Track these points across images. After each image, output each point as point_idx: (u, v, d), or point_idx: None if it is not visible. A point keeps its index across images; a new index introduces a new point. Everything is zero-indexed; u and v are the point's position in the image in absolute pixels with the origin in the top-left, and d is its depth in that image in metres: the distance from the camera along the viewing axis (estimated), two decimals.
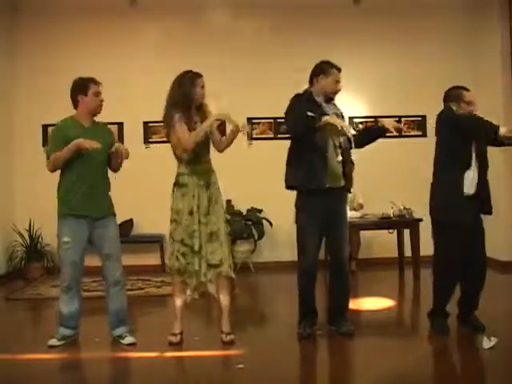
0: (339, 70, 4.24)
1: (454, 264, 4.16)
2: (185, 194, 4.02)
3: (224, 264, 4.02)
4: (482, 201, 4.16)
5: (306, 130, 4.03)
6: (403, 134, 7.48)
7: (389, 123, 4.32)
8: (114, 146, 4.12)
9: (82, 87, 4.10)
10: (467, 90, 4.24)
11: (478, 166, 4.13)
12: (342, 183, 4.19)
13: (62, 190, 4.10)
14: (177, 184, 4.08)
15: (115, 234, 4.18)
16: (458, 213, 4.07)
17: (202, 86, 4.08)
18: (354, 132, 4.14)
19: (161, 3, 7.26)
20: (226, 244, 4.08)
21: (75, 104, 4.13)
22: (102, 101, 4.14)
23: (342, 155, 4.15)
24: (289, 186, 4.26)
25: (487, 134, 3.95)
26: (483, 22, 7.18)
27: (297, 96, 4.27)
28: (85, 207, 4.04)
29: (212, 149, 4.17)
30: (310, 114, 3.99)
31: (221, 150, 4.20)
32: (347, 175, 4.21)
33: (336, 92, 4.26)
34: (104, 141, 4.06)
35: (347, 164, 4.20)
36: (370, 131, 4.38)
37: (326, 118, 3.96)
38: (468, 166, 4.08)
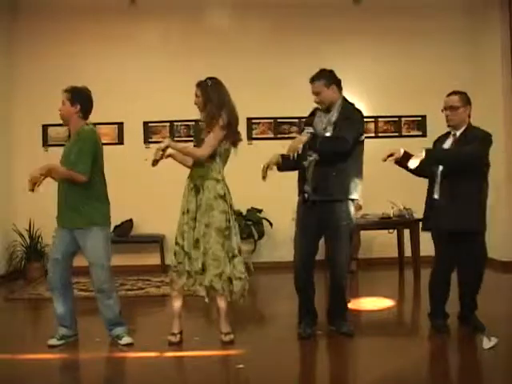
0: (310, 81, 4.19)
1: (439, 265, 4.25)
2: (183, 195, 4.13)
3: (206, 273, 3.97)
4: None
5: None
6: (403, 134, 7.50)
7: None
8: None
9: None
10: (449, 95, 4.22)
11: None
12: (316, 196, 4.12)
13: None
14: None
15: (94, 243, 4.02)
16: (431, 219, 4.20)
17: (195, 95, 4.15)
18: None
19: (161, 3, 7.25)
20: (219, 254, 3.97)
21: None
22: (59, 109, 4.11)
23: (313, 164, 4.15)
24: None
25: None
26: (483, 23, 7.18)
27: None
28: (59, 218, 4.12)
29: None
30: (306, 129, 4.14)
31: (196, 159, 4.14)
32: (315, 185, 4.12)
33: (317, 103, 4.24)
34: (69, 152, 4.02)
35: (317, 174, 4.12)
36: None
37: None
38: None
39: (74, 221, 4.04)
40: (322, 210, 4.14)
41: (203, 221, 4.00)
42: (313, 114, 4.33)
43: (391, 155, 4.10)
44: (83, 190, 4.01)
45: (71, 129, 4.16)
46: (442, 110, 4.21)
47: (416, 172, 4.19)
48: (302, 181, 4.23)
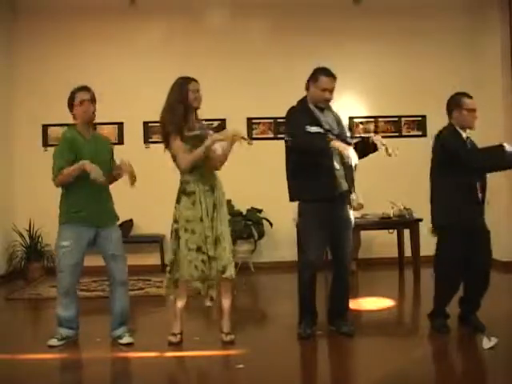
0: (330, 76, 4.11)
1: (455, 267, 4.17)
2: (194, 202, 4.00)
3: (228, 268, 4.02)
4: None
5: (316, 151, 4.03)
6: (403, 134, 7.51)
7: (376, 139, 4.14)
8: (120, 161, 4.19)
9: (70, 99, 4.13)
10: (469, 96, 4.21)
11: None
12: (345, 187, 4.15)
13: (67, 199, 4.09)
14: (183, 192, 4.04)
15: (119, 235, 4.23)
16: (457, 215, 4.10)
17: (195, 91, 4.05)
18: (354, 163, 3.96)
19: (161, 3, 7.26)
20: (229, 247, 4.07)
21: (72, 116, 4.17)
22: (90, 108, 4.08)
23: (342, 164, 4.11)
24: (294, 199, 4.23)
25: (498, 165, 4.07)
26: (483, 22, 7.18)
27: (292, 109, 4.22)
28: (91, 216, 4.05)
29: None
30: (309, 129, 4.00)
31: (218, 168, 4.12)
32: (348, 178, 4.17)
33: (324, 100, 4.15)
34: (105, 152, 4.15)
35: (347, 168, 4.15)
36: (363, 148, 4.21)
37: (333, 144, 3.92)
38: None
39: (106, 218, 4.15)
40: (338, 207, 4.15)
41: (220, 217, 4.04)
42: (306, 113, 4.16)
43: None
44: (108, 190, 4.25)
45: (89, 128, 4.16)
46: (470, 110, 4.15)
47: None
48: (330, 181, 4.07)
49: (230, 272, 4.04)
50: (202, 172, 4.03)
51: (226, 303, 4.13)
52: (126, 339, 4.11)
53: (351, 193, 4.24)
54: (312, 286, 4.24)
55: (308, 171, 4.09)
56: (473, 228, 4.13)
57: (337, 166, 4.09)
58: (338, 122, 4.23)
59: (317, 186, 4.08)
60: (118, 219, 4.29)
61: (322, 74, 4.13)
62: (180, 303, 4.14)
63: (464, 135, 4.18)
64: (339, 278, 4.28)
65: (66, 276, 4.06)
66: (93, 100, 4.11)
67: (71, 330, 4.16)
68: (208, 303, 4.11)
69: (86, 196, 4.03)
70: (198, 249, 3.97)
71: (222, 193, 4.11)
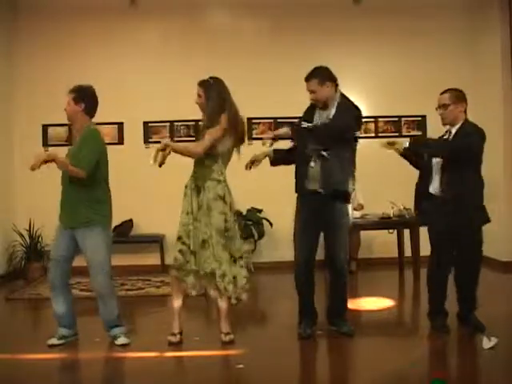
0: (306, 80, 4.19)
1: (434, 265, 4.25)
2: (185, 195, 4.12)
3: (216, 275, 3.99)
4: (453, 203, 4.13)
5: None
6: (403, 134, 7.50)
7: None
8: None
9: None
10: (444, 92, 4.25)
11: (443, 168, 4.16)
12: (313, 187, 4.12)
13: None
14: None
15: (95, 243, 4.01)
16: (426, 214, 4.32)
17: (198, 95, 4.14)
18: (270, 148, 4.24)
19: (161, 3, 7.25)
20: (221, 255, 4.00)
21: None
22: (65, 109, 4.14)
23: (322, 159, 4.10)
24: None
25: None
26: (483, 22, 7.18)
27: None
28: (61, 216, 4.12)
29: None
30: (303, 124, 4.16)
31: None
32: (325, 179, 4.09)
33: (313, 101, 4.24)
34: (78, 151, 4.00)
35: (327, 168, 4.10)
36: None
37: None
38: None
39: (73, 220, 4.04)
40: (324, 206, 4.13)
41: (203, 221, 4.02)
42: (312, 109, 4.29)
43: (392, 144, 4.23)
44: (84, 191, 4.01)
45: (77, 128, 4.15)
46: (436, 109, 4.25)
47: (410, 159, 4.40)
48: (302, 177, 4.16)
49: (217, 279, 3.98)
50: (194, 169, 4.15)
51: (222, 304, 4.10)
52: (121, 340, 4.11)
53: (335, 196, 4.15)
54: (307, 285, 4.25)
55: (295, 166, 4.29)
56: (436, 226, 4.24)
57: (312, 164, 4.13)
58: (333, 116, 4.15)
59: (296, 181, 4.26)
60: (98, 223, 4.02)
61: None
62: (176, 303, 4.14)
63: (448, 131, 4.25)
64: (333, 278, 4.30)
65: (50, 268, 4.14)
66: (71, 100, 4.09)
67: (65, 328, 4.15)
68: (192, 293, 4.12)
69: (61, 195, 4.13)
70: (180, 238, 4.08)
71: (211, 198, 4.01)
